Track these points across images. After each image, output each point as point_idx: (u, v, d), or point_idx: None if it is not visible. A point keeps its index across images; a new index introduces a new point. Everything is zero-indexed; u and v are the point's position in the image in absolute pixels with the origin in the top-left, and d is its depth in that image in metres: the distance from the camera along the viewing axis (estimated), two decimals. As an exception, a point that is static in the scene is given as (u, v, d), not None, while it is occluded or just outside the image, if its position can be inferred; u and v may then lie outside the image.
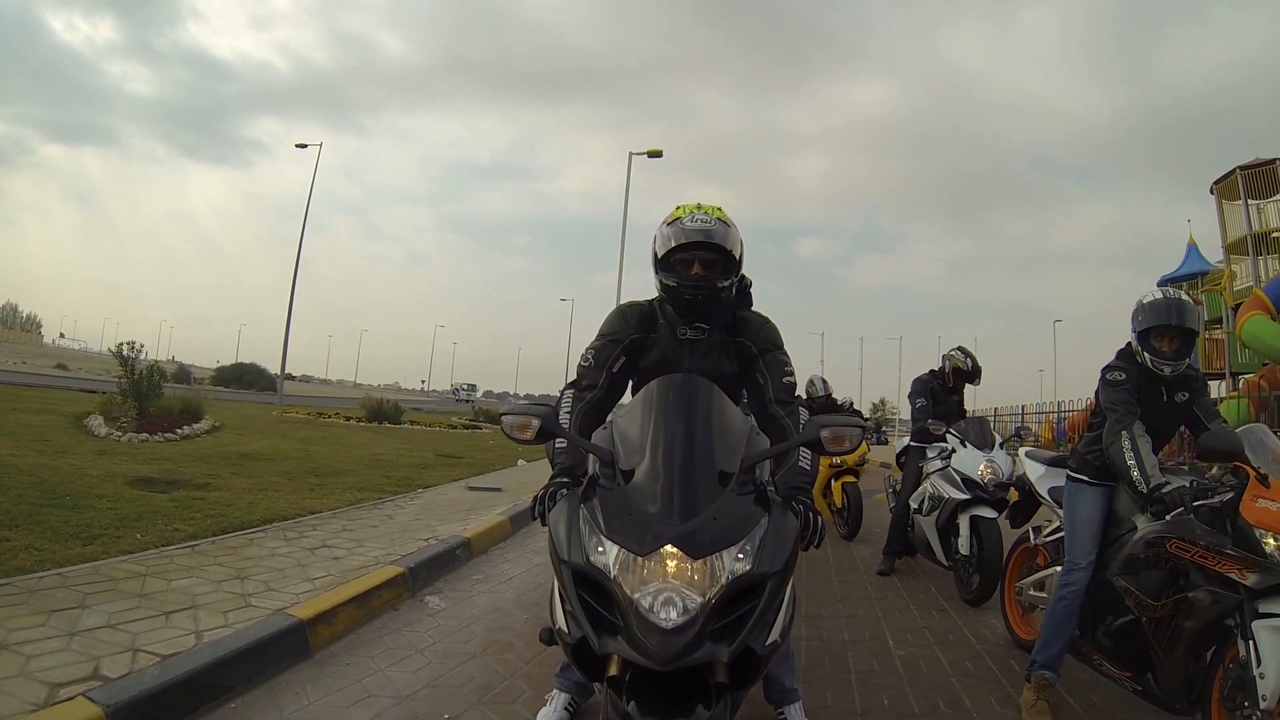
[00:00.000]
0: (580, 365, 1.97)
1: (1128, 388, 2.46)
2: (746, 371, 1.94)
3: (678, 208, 1.92)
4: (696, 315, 1.91)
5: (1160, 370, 2.44)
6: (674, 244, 1.85)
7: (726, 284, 1.87)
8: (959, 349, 5.12)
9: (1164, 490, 2.16)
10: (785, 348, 1.98)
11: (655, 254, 1.91)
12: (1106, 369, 2.56)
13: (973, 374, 5.02)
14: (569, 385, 1.97)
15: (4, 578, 2.73)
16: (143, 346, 9.48)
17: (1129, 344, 2.59)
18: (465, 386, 70.33)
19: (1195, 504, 2.11)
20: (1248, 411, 11.07)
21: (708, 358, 1.95)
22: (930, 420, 4.73)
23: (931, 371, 5.18)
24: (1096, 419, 2.65)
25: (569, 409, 1.86)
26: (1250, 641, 1.88)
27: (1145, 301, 2.47)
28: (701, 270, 1.85)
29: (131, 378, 8.84)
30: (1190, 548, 2.10)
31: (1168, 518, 2.20)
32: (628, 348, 1.96)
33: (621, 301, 2.23)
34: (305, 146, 23.38)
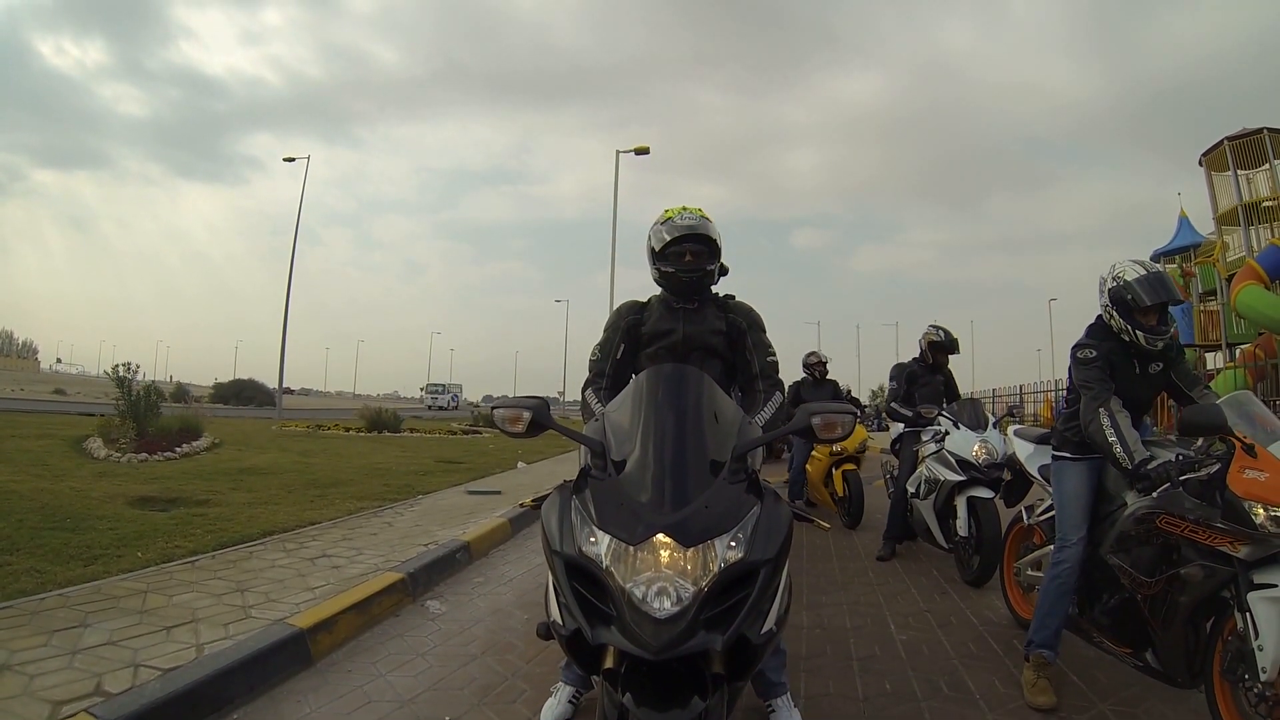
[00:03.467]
0: (590, 361, 2.29)
1: (1099, 364, 2.45)
2: (736, 344, 2.28)
3: (666, 210, 2.30)
4: (691, 293, 2.27)
5: (1154, 346, 2.41)
6: (670, 238, 2.20)
7: (712, 267, 2.25)
8: (931, 325, 5.14)
9: (1149, 466, 2.15)
10: (764, 328, 2.33)
11: (653, 249, 2.25)
12: (1076, 347, 2.54)
13: (949, 345, 5.04)
14: (586, 385, 2.26)
15: (6, 601, 2.73)
16: (139, 367, 9.49)
17: (1099, 319, 2.58)
18: (439, 387, 53.43)
19: (1182, 478, 2.09)
20: (1245, 381, 11.10)
21: (700, 323, 2.28)
22: (922, 404, 4.75)
23: (913, 358, 5.20)
24: (1073, 395, 2.64)
25: (599, 400, 2.13)
26: (1247, 614, 1.87)
27: (1130, 279, 2.41)
28: (692, 258, 2.21)
29: (129, 399, 8.83)
30: (1180, 522, 2.08)
31: (1155, 494, 2.18)
32: (625, 333, 2.30)
33: (616, 299, 2.48)
34: (293, 160, 23.31)
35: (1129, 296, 2.40)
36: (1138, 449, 2.23)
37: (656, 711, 1.21)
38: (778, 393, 2.20)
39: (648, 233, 2.30)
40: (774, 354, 2.29)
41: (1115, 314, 2.46)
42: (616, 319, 2.34)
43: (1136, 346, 2.46)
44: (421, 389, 55.06)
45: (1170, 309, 2.51)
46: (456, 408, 47.69)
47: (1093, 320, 2.63)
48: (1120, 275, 2.45)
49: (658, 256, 2.24)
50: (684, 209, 2.26)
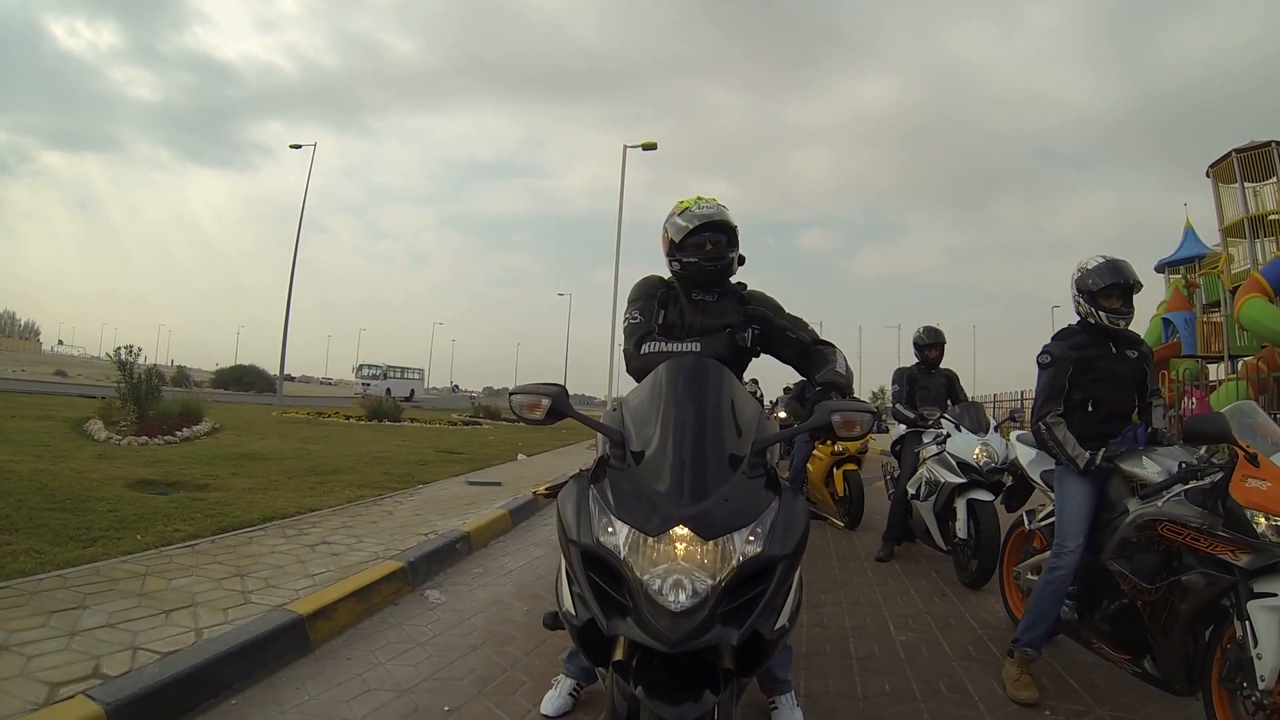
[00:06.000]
0: (630, 324, 2.18)
1: (1053, 369, 2.67)
2: (772, 331, 2.21)
3: (681, 201, 2.25)
4: (712, 283, 2.22)
5: (1116, 325, 2.62)
6: (691, 227, 2.15)
7: (733, 255, 2.20)
8: (918, 328, 5.22)
9: (1096, 458, 2.49)
10: None
11: (671, 240, 2.20)
12: (1039, 355, 2.74)
13: (932, 344, 5.10)
14: (639, 342, 2.10)
15: (4, 581, 2.73)
16: (140, 350, 9.48)
17: (1070, 325, 2.79)
18: (376, 370, 38.73)
19: (1185, 486, 2.12)
20: (1246, 393, 11.07)
21: (717, 317, 2.23)
22: (924, 406, 4.80)
23: (914, 363, 5.25)
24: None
25: (665, 342, 2.09)
26: (1246, 622, 1.88)
27: (1091, 266, 2.64)
28: (713, 247, 2.16)
29: (130, 382, 8.83)
30: (1182, 530, 2.10)
31: (1159, 504, 2.22)
32: (660, 303, 2.25)
33: (620, 294, 2.42)
34: (299, 147, 23.30)
35: (1090, 281, 2.62)
36: (1078, 451, 2.56)
37: (669, 705, 1.20)
38: (837, 349, 2.15)
39: (663, 225, 2.25)
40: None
41: (1081, 300, 2.67)
42: (649, 289, 2.26)
43: (1108, 331, 2.65)
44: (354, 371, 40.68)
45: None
46: (410, 398, 35.32)
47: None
48: (1084, 265, 2.68)
49: (677, 248, 2.18)
50: (699, 198, 2.21)
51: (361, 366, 40.30)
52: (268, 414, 14.98)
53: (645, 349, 2.07)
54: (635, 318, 2.18)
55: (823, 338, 2.23)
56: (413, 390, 39.20)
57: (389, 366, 40.54)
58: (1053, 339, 2.77)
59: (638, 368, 2.07)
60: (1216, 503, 2.02)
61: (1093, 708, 2.42)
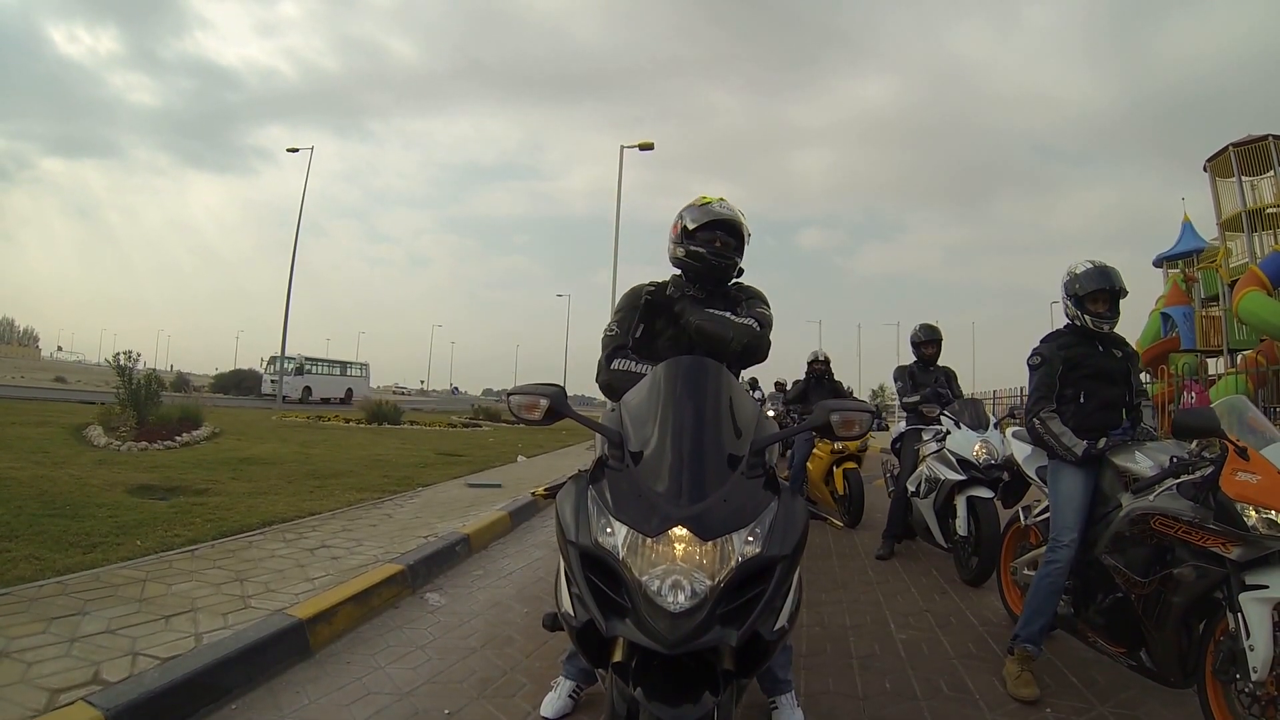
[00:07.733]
0: (607, 336, 2.19)
1: (1044, 369, 2.76)
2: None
3: (704, 195, 2.27)
4: (710, 281, 2.21)
5: (1100, 328, 2.70)
6: (705, 220, 2.16)
7: (736, 260, 2.22)
8: (915, 326, 5.25)
9: (1092, 449, 2.56)
10: (770, 311, 2.25)
11: (685, 227, 2.19)
12: (1029, 357, 2.83)
13: (929, 341, 5.14)
14: (610, 357, 2.12)
15: (4, 587, 2.74)
16: (139, 356, 9.49)
17: (1058, 329, 2.89)
18: (291, 363, 27.69)
19: (1176, 480, 2.14)
20: (1245, 387, 11.08)
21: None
22: (924, 403, 4.80)
23: (913, 361, 5.27)
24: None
25: (634, 362, 2.07)
26: (1239, 614, 1.89)
27: (1079, 271, 2.72)
28: (722, 246, 2.17)
29: (129, 387, 8.84)
30: (1174, 524, 2.11)
31: (1151, 498, 2.23)
32: (644, 312, 2.24)
33: (618, 295, 2.42)
34: (296, 151, 23.35)
35: (1076, 286, 2.72)
36: (1073, 441, 2.62)
37: (669, 706, 1.20)
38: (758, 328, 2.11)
39: (679, 213, 2.24)
40: (766, 316, 2.18)
41: (1069, 304, 2.77)
42: (633, 299, 2.27)
43: (1093, 333, 2.73)
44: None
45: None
46: (346, 400, 27.70)
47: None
48: (1072, 270, 2.76)
49: (688, 235, 2.18)
50: (722, 199, 2.23)
51: (271, 359, 29.06)
52: (267, 418, 14.96)
53: (615, 365, 2.06)
54: (613, 330, 2.19)
55: (765, 334, 2.17)
56: (349, 390, 30.00)
57: (306, 358, 31.36)
58: (1041, 341, 2.86)
59: (605, 382, 2.08)
60: (1207, 496, 2.03)
61: (1094, 705, 2.42)
